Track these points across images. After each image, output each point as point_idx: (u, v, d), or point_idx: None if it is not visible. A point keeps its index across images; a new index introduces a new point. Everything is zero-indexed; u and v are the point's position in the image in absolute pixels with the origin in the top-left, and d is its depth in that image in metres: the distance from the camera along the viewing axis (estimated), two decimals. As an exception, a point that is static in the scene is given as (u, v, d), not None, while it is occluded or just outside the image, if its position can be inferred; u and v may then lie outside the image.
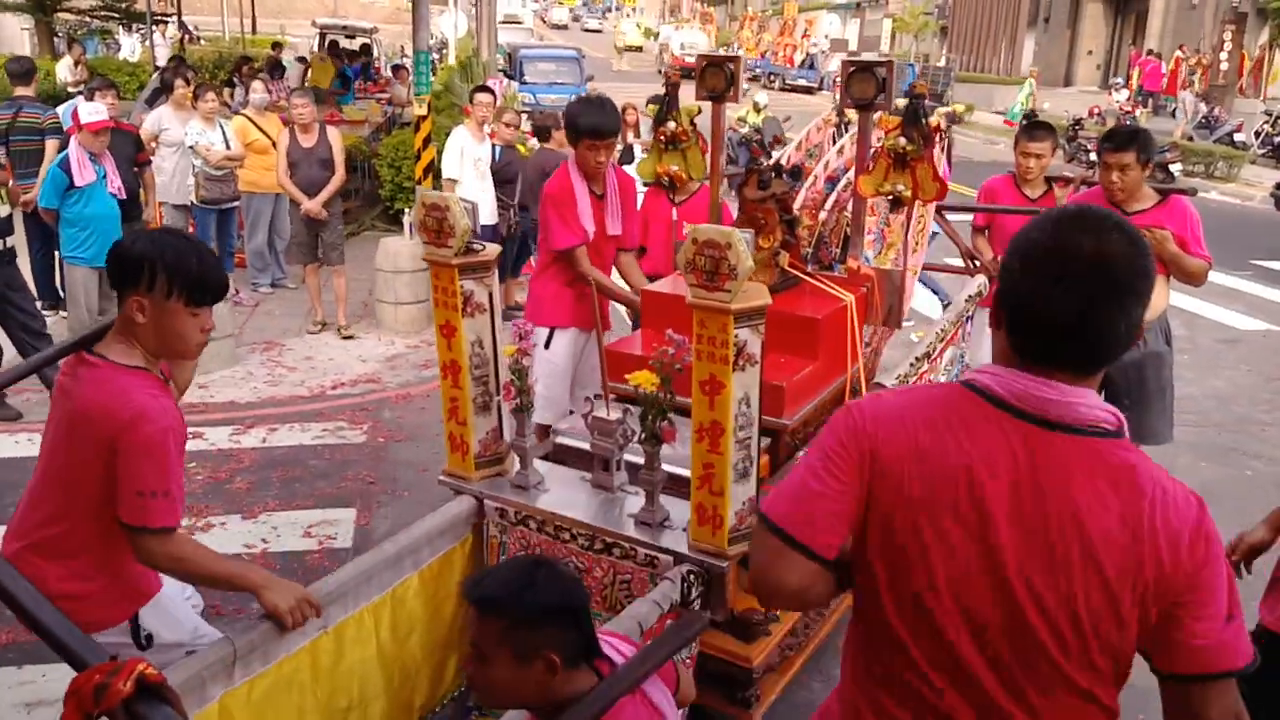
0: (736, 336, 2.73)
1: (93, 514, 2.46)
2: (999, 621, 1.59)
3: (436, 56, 21.09)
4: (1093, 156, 14.45)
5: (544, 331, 4.46)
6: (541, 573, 1.98)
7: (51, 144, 7.30)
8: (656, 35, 47.04)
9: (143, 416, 2.34)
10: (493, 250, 3.28)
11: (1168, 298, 4.54)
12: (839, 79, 4.03)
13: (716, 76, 4.05)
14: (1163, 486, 1.57)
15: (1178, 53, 24.29)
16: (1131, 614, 1.55)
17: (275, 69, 15.84)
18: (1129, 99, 22.94)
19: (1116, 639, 1.57)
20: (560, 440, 3.76)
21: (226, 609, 4.08)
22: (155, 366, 2.50)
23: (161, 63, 14.61)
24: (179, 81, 8.74)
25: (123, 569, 2.56)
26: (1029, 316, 1.60)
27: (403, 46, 24.25)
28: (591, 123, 4.17)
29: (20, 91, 7.84)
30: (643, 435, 3.09)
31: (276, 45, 21.24)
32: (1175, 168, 16.44)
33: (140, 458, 2.35)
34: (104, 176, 6.41)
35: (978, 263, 5.17)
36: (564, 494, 3.42)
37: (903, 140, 3.79)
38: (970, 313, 4.75)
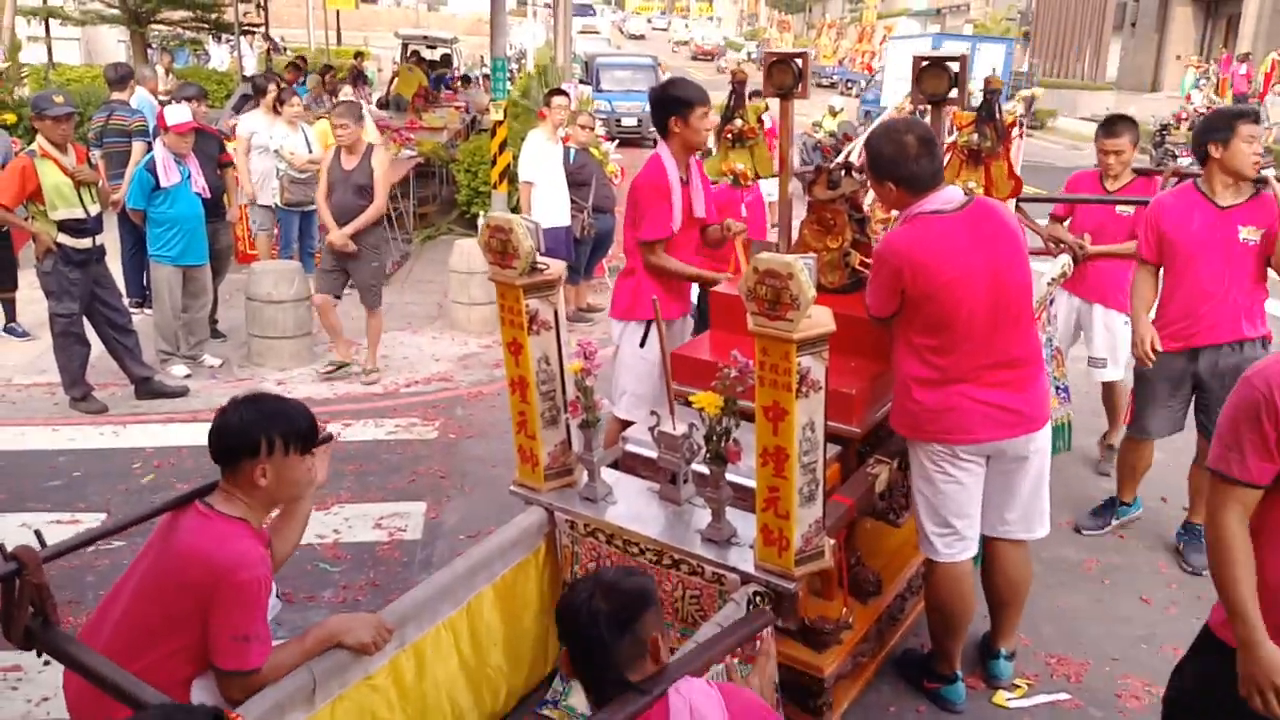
0: (799, 364, 2.69)
1: (174, 655, 2.53)
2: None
3: (515, 66, 21.36)
4: (1181, 162, 14.01)
5: (637, 330, 4.39)
6: (573, 597, 2.14)
7: (138, 146, 7.55)
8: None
9: (241, 564, 2.48)
10: (557, 268, 3.30)
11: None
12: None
13: (784, 73, 4.00)
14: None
15: (1274, 54, 23.43)
16: None
17: (358, 78, 16.17)
18: (1204, 101, 22.11)
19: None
20: (629, 448, 3.75)
21: (299, 597, 4.17)
22: (255, 520, 2.65)
23: (249, 72, 15.05)
24: (271, 86, 8.95)
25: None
26: (914, 174, 3.18)
27: (482, 57, 24.56)
28: (699, 89, 4.22)
29: (115, 96, 8.13)
30: (707, 455, 3.07)
31: (359, 55, 21.68)
32: (1268, 172, 15.84)
33: (236, 604, 2.47)
34: (188, 177, 6.60)
35: (1060, 244, 5.04)
36: (632, 506, 3.43)
37: (976, 136, 3.72)
38: (1052, 296, 4.64)
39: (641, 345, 4.37)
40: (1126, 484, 4.90)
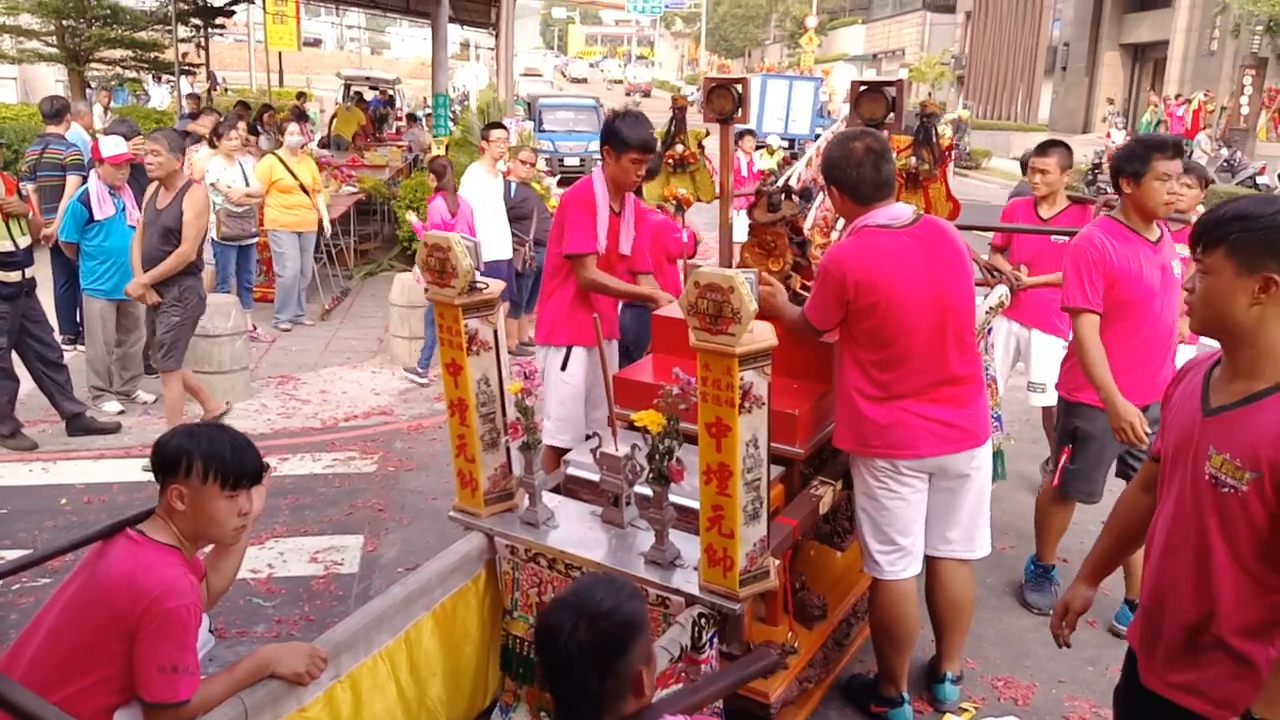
0: (742, 379, 2.67)
1: (96, 686, 2.42)
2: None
3: (458, 108, 21.43)
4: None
5: (559, 354, 4.39)
6: (555, 619, 1.94)
7: (72, 179, 7.40)
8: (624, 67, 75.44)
9: (170, 592, 2.38)
10: (496, 287, 3.25)
11: None
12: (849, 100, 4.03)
13: (724, 98, 4.04)
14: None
15: (1199, 96, 24.26)
16: None
17: (300, 118, 16.10)
18: (1125, 139, 22.72)
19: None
20: (571, 472, 3.70)
21: (230, 632, 4.03)
22: (187, 550, 2.57)
23: (187, 112, 14.90)
24: (206, 119, 8.83)
25: None
26: (855, 180, 3.20)
27: (425, 98, 24.63)
28: (642, 137, 4.16)
29: (51, 129, 7.99)
30: (650, 474, 3.03)
31: (301, 96, 21.61)
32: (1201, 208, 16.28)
33: (164, 634, 2.37)
34: (123, 210, 6.46)
35: (997, 274, 5.11)
36: (574, 530, 3.36)
37: (914, 160, 3.76)
38: (990, 325, 4.68)
39: (563, 369, 4.35)
40: (1051, 545, 4.50)
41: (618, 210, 4.35)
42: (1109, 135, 24.28)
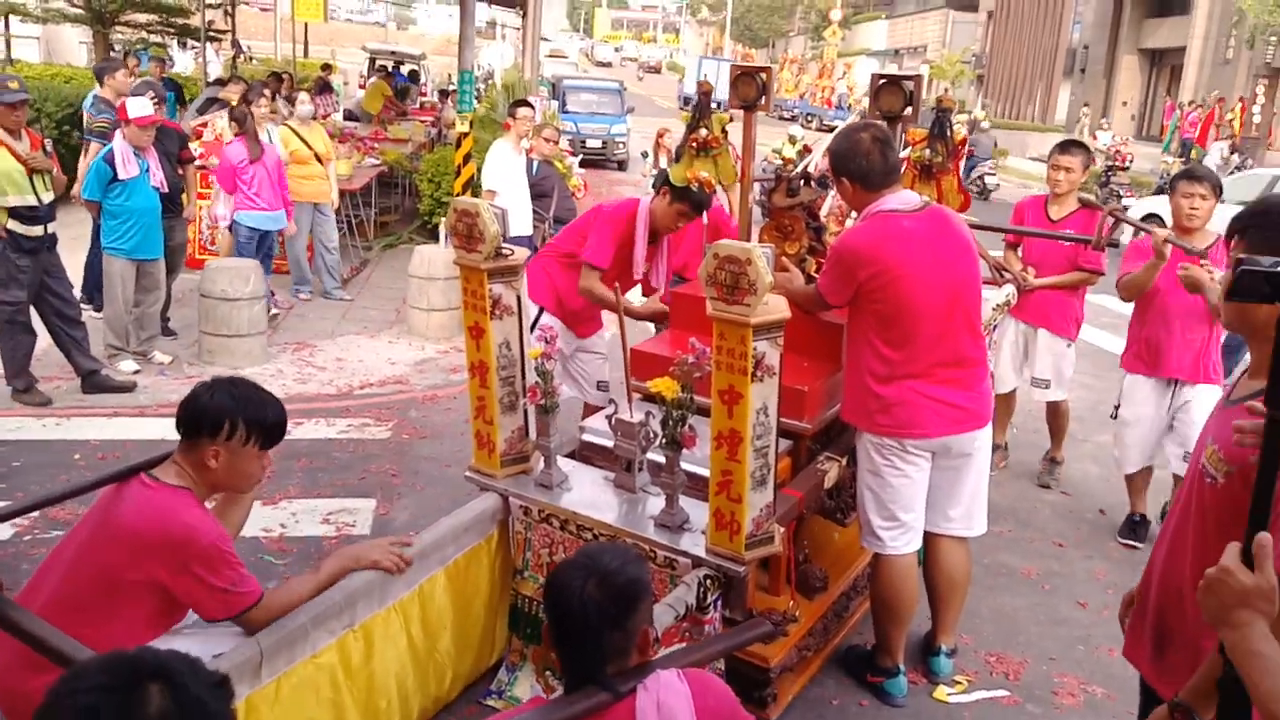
0: (755, 349, 2.78)
1: (116, 631, 2.48)
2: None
3: (483, 86, 21.50)
4: (1124, 202, 14.34)
5: (531, 310, 4.54)
6: (566, 577, 2.01)
7: (94, 146, 7.46)
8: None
9: (198, 531, 2.50)
10: (521, 254, 3.36)
11: None
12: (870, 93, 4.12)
13: (749, 86, 4.12)
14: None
15: (1210, 104, 24.16)
16: None
17: (324, 89, 16.19)
18: (1113, 142, 22.50)
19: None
20: (586, 438, 3.81)
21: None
22: (201, 493, 2.65)
23: (213, 78, 15.00)
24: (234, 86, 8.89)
25: None
26: (866, 169, 3.34)
27: (449, 75, 24.68)
28: (699, 199, 4.35)
29: (99, 91, 8.13)
30: (663, 440, 3.14)
31: (325, 67, 21.68)
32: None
33: (210, 568, 2.50)
34: (147, 171, 6.54)
35: (1005, 274, 5.21)
36: (587, 493, 3.47)
37: (928, 152, 3.85)
38: (996, 323, 4.76)
39: (531, 329, 4.47)
40: None
41: (656, 244, 4.54)
42: (1095, 137, 24.16)
